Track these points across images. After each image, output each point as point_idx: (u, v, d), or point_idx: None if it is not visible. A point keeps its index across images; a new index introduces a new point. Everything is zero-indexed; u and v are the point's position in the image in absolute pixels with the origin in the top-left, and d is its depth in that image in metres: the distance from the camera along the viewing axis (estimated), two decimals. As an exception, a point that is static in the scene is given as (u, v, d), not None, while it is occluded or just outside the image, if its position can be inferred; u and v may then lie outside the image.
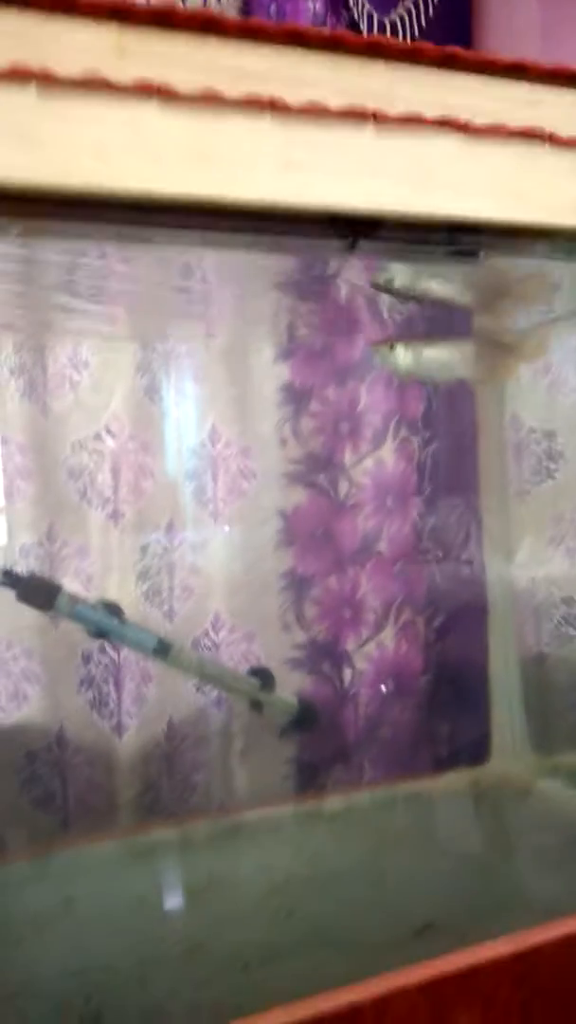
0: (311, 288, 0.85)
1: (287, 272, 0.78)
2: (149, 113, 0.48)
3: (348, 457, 1.19)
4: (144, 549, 1.10)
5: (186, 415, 1.14)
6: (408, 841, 0.86)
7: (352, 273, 0.79)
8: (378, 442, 1.21)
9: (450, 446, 1.22)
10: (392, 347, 0.90)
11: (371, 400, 1.20)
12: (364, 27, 1.25)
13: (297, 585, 1.17)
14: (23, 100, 0.47)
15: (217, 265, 0.76)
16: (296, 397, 1.17)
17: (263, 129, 0.51)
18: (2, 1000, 0.60)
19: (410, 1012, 0.54)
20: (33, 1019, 0.58)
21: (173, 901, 0.76)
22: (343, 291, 0.87)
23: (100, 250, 0.65)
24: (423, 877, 0.77)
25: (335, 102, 0.54)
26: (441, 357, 0.95)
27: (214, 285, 0.84)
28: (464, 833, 0.87)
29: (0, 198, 0.47)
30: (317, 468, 1.18)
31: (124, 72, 0.49)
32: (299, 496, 1.17)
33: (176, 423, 1.13)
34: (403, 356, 0.91)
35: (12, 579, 0.79)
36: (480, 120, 0.58)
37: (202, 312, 0.99)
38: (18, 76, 0.47)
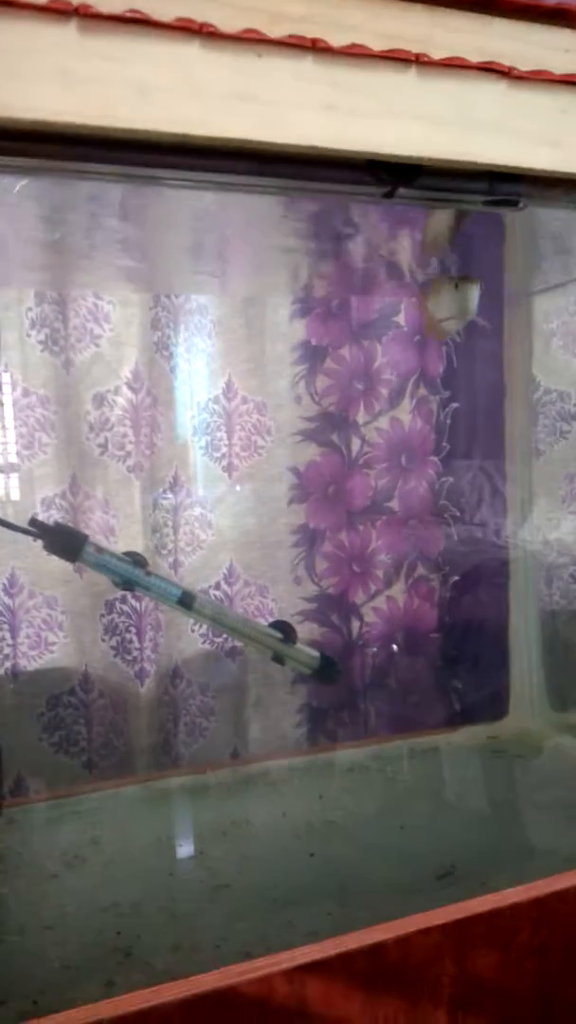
0: (330, 244, 0.84)
1: (307, 227, 0.77)
2: (191, 52, 0.47)
3: (362, 415, 1.20)
4: (163, 503, 1.11)
5: (203, 371, 1.14)
6: (426, 792, 0.87)
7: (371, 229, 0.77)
8: (394, 401, 1.21)
9: (471, 406, 1.22)
10: (457, 285, 0.75)
11: (388, 359, 1.20)
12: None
13: (308, 540, 1.19)
14: (63, 37, 0.46)
15: (239, 220, 0.75)
16: (311, 355, 1.17)
17: (305, 70, 0.50)
18: (38, 932, 0.62)
19: (433, 952, 0.56)
20: (68, 950, 0.60)
21: (197, 842, 0.78)
22: (362, 247, 0.86)
23: (124, 197, 0.64)
24: (442, 827, 0.79)
25: (375, 46, 0.53)
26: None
27: (234, 241, 0.83)
28: (482, 786, 0.89)
29: (40, 138, 0.47)
30: (331, 426, 1.19)
31: (164, 10, 0.48)
32: (312, 453, 1.18)
33: (193, 378, 1.14)
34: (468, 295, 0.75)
35: (40, 528, 0.80)
36: (521, 66, 0.57)
37: (220, 269, 0.98)
38: (58, 12, 0.46)
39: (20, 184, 0.58)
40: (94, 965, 0.57)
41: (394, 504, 1.22)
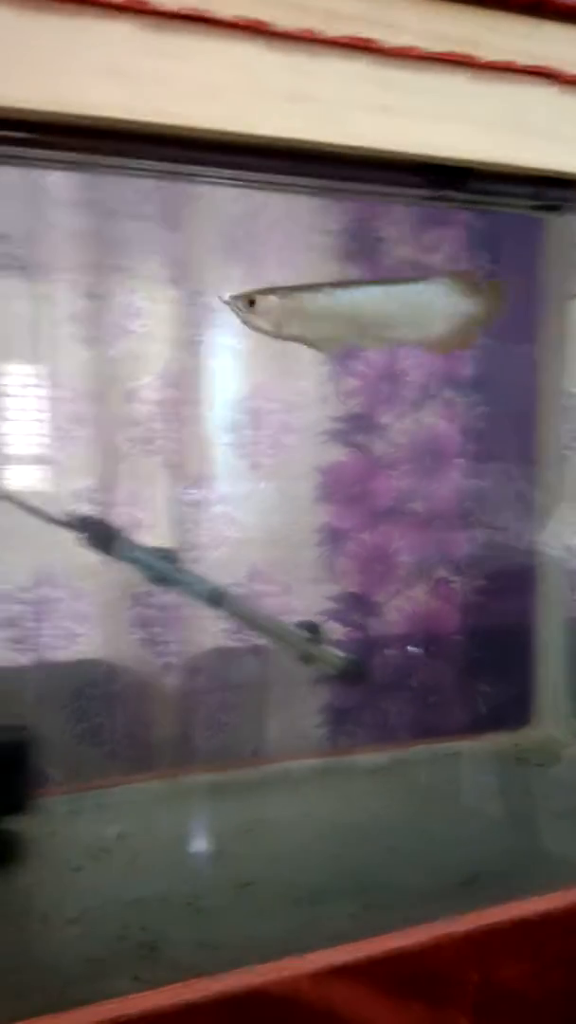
0: (360, 246, 0.84)
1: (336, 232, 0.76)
2: (249, 51, 0.47)
3: (387, 417, 1.20)
4: (192, 499, 1.11)
5: (232, 369, 1.14)
6: (449, 798, 0.87)
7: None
8: (419, 403, 1.21)
9: (501, 409, 1.22)
10: (252, 301, 0.66)
11: (413, 361, 1.20)
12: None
13: (332, 539, 1.19)
14: (115, 33, 0.46)
15: (270, 226, 0.75)
16: (338, 356, 1.17)
17: (359, 71, 0.50)
18: (64, 924, 0.62)
19: (459, 958, 0.55)
20: (93, 944, 0.60)
21: (221, 840, 0.78)
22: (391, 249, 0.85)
23: (165, 196, 0.64)
24: (466, 832, 0.78)
25: (425, 46, 0.53)
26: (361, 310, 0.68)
27: (266, 245, 0.83)
28: (505, 793, 0.88)
29: (91, 134, 0.47)
30: (356, 427, 1.19)
31: (219, 8, 0.48)
32: (338, 453, 1.18)
33: (222, 376, 1.14)
34: (268, 314, 0.66)
35: (80, 522, 0.80)
36: (570, 70, 0.56)
37: (255, 269, 0.98)
38: (113, 8, 0.46)
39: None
40: (119, 959, 0.58)
41: (418, 505, 1.22)
